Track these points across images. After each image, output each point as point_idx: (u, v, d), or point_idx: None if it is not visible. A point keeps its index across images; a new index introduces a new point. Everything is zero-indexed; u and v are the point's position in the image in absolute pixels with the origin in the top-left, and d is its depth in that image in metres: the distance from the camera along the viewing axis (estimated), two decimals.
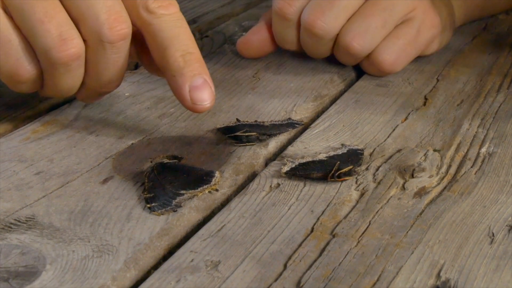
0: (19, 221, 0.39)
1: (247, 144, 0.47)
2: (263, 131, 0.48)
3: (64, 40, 0.42)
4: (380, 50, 0.58)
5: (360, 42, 0.57)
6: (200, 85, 0.43)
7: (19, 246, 0.36)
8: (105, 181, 0.43)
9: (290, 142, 0.49)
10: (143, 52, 0.47)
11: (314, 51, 0.61)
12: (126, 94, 0.57)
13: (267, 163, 0.47)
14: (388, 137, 0.49)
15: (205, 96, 0.43)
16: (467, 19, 0.71)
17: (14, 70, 0.43)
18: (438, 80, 0.60)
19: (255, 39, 0.62)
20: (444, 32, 0.62)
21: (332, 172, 0.42)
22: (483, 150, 0.46)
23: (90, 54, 0.44)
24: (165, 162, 0.44)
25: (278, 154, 0.48)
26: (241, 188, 0.44)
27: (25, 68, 0.43)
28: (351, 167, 0.43)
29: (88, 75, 0.45)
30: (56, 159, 0.46)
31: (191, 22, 0.77)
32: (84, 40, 0.43)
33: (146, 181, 0.42)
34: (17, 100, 0.55)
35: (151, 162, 0.45)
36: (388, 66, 0.58)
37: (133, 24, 0.44)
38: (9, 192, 0.42)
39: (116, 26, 0.42)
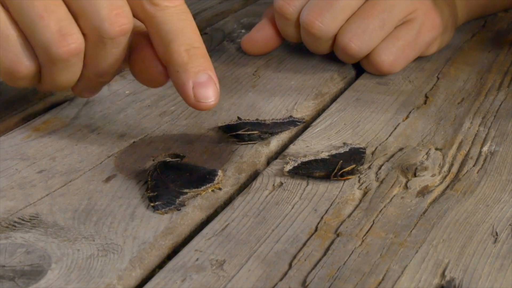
0: (23, 220, 0.39)
1: (249, 142, 0.47)
2: (265, 130, 0.48)
3: (63, 36, 0.41)
4: (379, 51, 0.58)
5: (357, 43, 0.57)
6: (205, 81, 0.42)
7: (24, 245, 0.36)
8: (108, 179, 0.43)
9: (291, 140, 0.49)
10: (134, 59, 0.45)
11: (314, 49, 0.61)
12: (127, 92, 0.57)
13: (269, 161, 0.47)
14: (390, 135, 0.49)
15: (210, 93, 0.42)
16: (469, 18, 0.71)
17: (12, 66, 0.42)
18: (438, 78, 0.60)
19: (260, 36, 0.63)
20: (445, 33, 0.62)
21: (335, 171, 0.42)
22: (485, 149, 0.47)
23: (89, 48, 0.43)
24: (168, 160, 0.44)
25: (279, 153, 0.48)
26: (243, 186, 0.44)
27: (24, 64, 0.42)
28: (354, 166, 0.43)
29: (86, 68, 0.44)
30: (58, 157, 0.46)
31: None
32: (84, 34, 0.42)
33: (149, 179, 0.42)
34: (16, 98, 0.55)
35: (153, 160, 0.45)
36: (387, 67, 0.58)
37: (136, 17, 0.44)
38: (12, 191, 0.42)
39: (118, 21, 0.41)
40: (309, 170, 0.43)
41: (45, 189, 0.42)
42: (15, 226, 0.38)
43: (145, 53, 0.44)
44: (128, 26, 0.42)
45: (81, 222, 0.38)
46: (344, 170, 0.42)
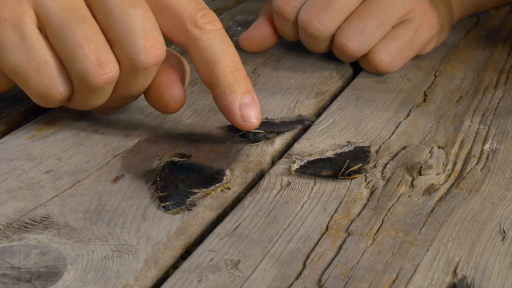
0: (34, 221, 0.39)
1: (254, 143, 0.48)
2: (271, 129, 0.49)
3: (101, 65, 0.41)
4: (376, 50, 0.58)
5: (355, 43, 0.58)
6: (250, 102, 0.44)
7: (37, 246, 0.36)
8: (116, 179, 0.43)
9: (295, 139, 0.50)
10: (150, 87, 0.46)
11: (312, 48, 0.61)
12: None
13: (273, 160, 0.47)
14: (393, 134, 0.49)
15: (255, 113, 0.44)
16: (463, 16, 0.72)
17: (47, 91, 0.43)
18: (436, 76, 0.60)
19: (257, 34, 0.63)
20: (441, 32, 0.63)
21: (342, 170, 0.43)
22: (487, 147, 0.47)
23: (121, 75, 0.43)
24: (176, 160, 0.44)
25: (284, 152, 0.48)
26: (251, 186, 0.44)
27: (58, 90, 0.43)
28: (360, 165, 0.43)
29: (114, 91, 0.45)
30: (64, 157, 0.46)
31: None
32: (118, 62, 0.43)
33: (158, 179, 0.42)
34: (17, 97, 0.55)
35: (160, 160, 0.46)
36: (385, 66, 0.59)
37: (175, 41, 0.45)
38: (21, 191, 0.42)
39: (152, 52, 0.42)
40: (316, 169, 0.43)
41: (54, 190, 0.42)
42: (27, 228, 0.38)
43: (160, 82, 0.45)
44: (162, 57, 0.43)
45: (93, 222, 0.39)
46: (351, 169, 0.43)
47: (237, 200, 0.42)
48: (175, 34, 0.44)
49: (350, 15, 0.58)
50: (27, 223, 0.39)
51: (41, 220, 0.39)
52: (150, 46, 0.42)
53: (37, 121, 0.51)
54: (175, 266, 0.37)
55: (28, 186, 0.42)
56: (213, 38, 0.44)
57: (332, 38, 0.59)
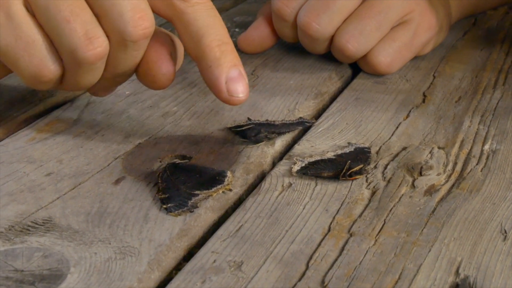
0: (36, 224, 0.39)
1: (255, 144, 0.48)
2: (273, 130, 0.49)
3: (90, 39, 0.41)
4: (376, 52, 0.58)
5: (354, 44, 0.58)
6: (237, 76, 0.43)
7: (40, 248, 0.36)
8: (117, 181, 0.43)
9: (295, 140, 0.50)
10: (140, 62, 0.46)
11: (311, 49, 0.62)
12: (127, 92, 0.57)
13: (274, 162, 0.47)
14: (392, 135, 0.49)
15: (241, 88, 0.43)
16: (461, 17, 0.72)
17: (37, 70, 0.42)
18: (434, 77, 0.61)
19: (256, 34, 0.63)
20: (440, 32, 0.63)
21: (344, 171, 0.43)
22: (486, 147, 0.48)
23: (110, 51, 0.43)
24: (177, 162, 0.44)
25: (284, 153, 0.48)
26: (252, 187, 0.44)
27: (49, 68, 0.42)
28: (361, 165, 0.44)
29: (105, 69, 0.44)
30: (65, 159, 0.46)
31: None
32: (107, 36, 0.42)
33: (159, 181, 0.42)
34: (16, 99, 0.55)
35: (160, 162, 0.46)
36: (384, 68, 0.59)
37: (162, 15, 0.44)
38: (22, 194, 0.42)
39: (141, 24, 0.41)
40: (317, 171, 0.43)
41: (55, 192, 0.42)
42: (29, 230, 0.38)
43: (149, 56, 0.45)
44: (151, 29, 0.42)
45: (95, 225, 0.39)
46: (353, 170, 0.43)
47: (239, 202, 0.43)
48: (161, 7, 0.44)
49: (349, 16, 0.58)
50: (29, 225, 0.39)
51: (43, 222, 0.39)
52: (138, 18, 0.41)
53: (37, 124, 0.51)
54: (177, 268, 0.37)
55: (29, 188, 0.42)
56: (199, 11, 0.43)
57: (331, 39, 0.59)
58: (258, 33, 0.64)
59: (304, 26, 0.58)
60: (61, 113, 0.53)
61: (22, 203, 0.41)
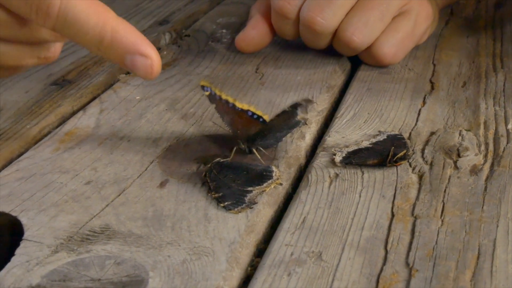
0: (95, 232, 0.38)
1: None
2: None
3: None
4: (380, 44, 0.59)
5: (360, 36, 0.58)
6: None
7: (109, 256, 0.35)
8: (162, 185, 0.42)
9: (321, 133, 0.50)
10: None
11: (313, 44, 0.62)
12: (137, 97, 0.56)
13: (306, 155, 0.48)
14: (417, 121, 0.50)
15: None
16: (443, 6, 0.74)
17: None
18: (434, 65, 0.62)
19: (255, 33, 0.63)
20: (434, 21, 0.64)
21: (389, 157, 0.43)
22: (510, 126, 0.49)
23: None
24: (221, 161, 0.44)
25: (314, 146, 0.48)
26: (296, 180, 0.44)
27: None
28: (405, 151, 0.44)
29: None
30: (99, 167, 0.45)
31: (164, 23, 0.76)
32: None
33: (208, 181, 0.42)
34: (23, 112, 0.53)
35: (198, 162, 0.45)
36: (389, 59, 0.59)
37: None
38: (68, 204, 0.40)
39: None
40: (361, 159, 0.44)
41: (101, 200, 0.41)
42: (90, 239, 0.37)
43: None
44: None
45: (157, 228, 0.38)
46: (398, 156, 0.43)
47: (289, 195, 0.42)
48: None
49: (352, 8, 0.59)
50: (88, 235, 0.37)
51: (101, 231, 0.38)
52: None
53: (56, 134, 0.49)
54: (251, 264, 0.36)
55: (73, 198, 0.41)
56: None
57: (335, 33, 0.60)
58: (257, 32, 0.63)
59: (308, 21, 0.58)
60: (76, 122, 0.51)
61: (71, 213, 0.39)
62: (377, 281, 0.33)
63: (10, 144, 0.48)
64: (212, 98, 0.46)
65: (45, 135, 0.50)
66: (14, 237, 0.42)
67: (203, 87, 0.46)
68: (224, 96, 0.46)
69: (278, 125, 0.45)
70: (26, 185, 0.42)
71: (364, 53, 0.61)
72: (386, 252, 0.35)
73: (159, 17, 0.78)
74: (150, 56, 0.40)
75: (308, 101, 0.43)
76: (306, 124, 0.50)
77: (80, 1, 0.39)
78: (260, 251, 0.38)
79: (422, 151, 0.46)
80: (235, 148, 0.45)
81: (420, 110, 0.52)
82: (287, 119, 0.44)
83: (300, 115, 0.43)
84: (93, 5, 0.40)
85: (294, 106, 0.43)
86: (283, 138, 0.47)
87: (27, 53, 0.44)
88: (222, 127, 0.49)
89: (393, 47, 0.59)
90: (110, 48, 0.40)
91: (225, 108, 0.46)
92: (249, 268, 0.36)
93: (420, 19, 0.61)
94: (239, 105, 0.45)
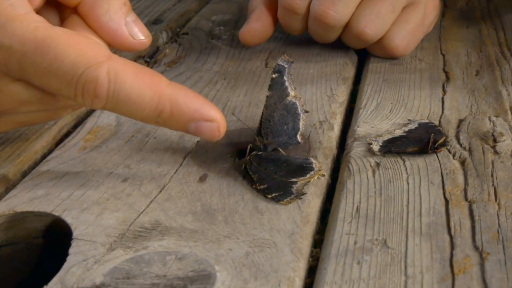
0: (146, 229, 0.36)
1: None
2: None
3: None
4: (392, 35, 0.59)
5: (372, 28, 0.58)
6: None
7: (168, 252, 0.34)
8: (201, 179, 0.41)
9: (346, 125, 0.50)
10: None
11: (322, 38, 0.61)
12: None
13: (337, 146, 0.47)
14: (443, 109, 0.50)
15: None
16: None
17: None
18: (443, 55, 0.62)
19: (259, 25, 0.62)
20: (439, 12, 0.64)
21: (430, 144, 0.43)
22: None
23: None
24: (260, 153, 0.43)
25: (343, 137, 0.48)
26: (335, 171, 0.44)
27: None
28: (444, 137, 0.44)
29: None
30: (132, 164, 0.43)
31: (157, 22, 0.74)
32: None
33: (250, 173, 0.41)
34: None
35: (231, 156, 0.44)
36: (401, 51, 0.59)
37: None
38: (110, 202, 0.39)
39: None
40: (401, 147, 0.43)
41: (144, 197, 0.39)
42: (143, 236, 0.36)
43: None
44: None
45: (210, 222, 0.37)
46: (438, 142, 0.43)
47: (331, 186, 0.42)
48: None
49: (362, 0, 0.58)
50: (139, 231, 0.36)
51: (152, 227, 0.36)
52: None
53: (78, 133, 0.48)
54: (311, 254, 0.35)
55: (114, 195, 0.40)
56: None
57: (345, 26, 0.59)
58: (261, 24, 0.62)
59: (320, 15, 0.58)
60: (96, 120, 0.50)
61: (115, 210, 0.38)
62: (451, 265, 0.33)
63: (33, 144, 0.46)
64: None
65: (65, 135, 0.49)
66: (47, 239, 0.40)
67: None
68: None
69: (278, 114, 0.45)
70: (62, 185, 0.41)
71: (374, 45, 0.60)
72: (451, 237, 0.35)
73: (151, 16, 0.77)
74: (215, 119, 0.38)
75: (288, 61, 0.45)
76: (308, 111, 0.49)
77: (129, 72, 0.36)
78: (317, 241, 0.37)
79: (457, 137, 0.45)
80: (249, 146, 0.44)
81: (443, 98, 0.52)
82: (281, 98, 0.45)
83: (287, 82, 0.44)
84: (143, 75, 0.37)
85: (278, 71, 0.45)
86: (307, 133, 0.46)
87: (62, 114, 0.43)
88: (242, 121, 0.48)
89: (404, 39, 0.59)
90: (170, 119, 0.37)
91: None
92: (310, 259, 0.35)
93: (429, 9, 0.61)
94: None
